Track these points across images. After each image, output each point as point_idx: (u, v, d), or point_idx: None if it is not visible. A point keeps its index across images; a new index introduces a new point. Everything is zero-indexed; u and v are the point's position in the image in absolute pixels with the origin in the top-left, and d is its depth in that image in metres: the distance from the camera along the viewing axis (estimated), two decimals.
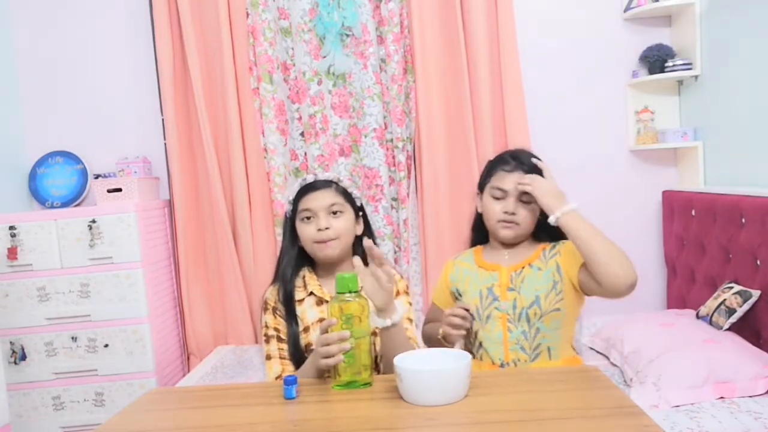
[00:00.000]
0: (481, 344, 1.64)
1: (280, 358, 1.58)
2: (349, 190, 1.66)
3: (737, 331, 2.24)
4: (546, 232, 1.65)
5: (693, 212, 2.74)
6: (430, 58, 2.99)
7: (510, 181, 1.63)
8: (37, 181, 3.11)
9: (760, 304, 2.21)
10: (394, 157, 3.04)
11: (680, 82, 3.03)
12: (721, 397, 1.97)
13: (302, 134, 3.06)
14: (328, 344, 1.33)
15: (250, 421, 1.22)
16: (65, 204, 3.08)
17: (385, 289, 1.40)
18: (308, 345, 1.57)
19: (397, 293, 1.63)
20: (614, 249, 1.48)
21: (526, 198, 1.61)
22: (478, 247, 1.77)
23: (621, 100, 3.10)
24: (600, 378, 1.33)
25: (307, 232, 1.59)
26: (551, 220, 1.54)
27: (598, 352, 2.55)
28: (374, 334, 1.53)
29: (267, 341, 1.60)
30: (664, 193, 3.05)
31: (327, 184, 1.62)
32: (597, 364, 2.13)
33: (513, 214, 1.61)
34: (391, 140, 3.04)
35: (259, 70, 3.02)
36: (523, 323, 1.59)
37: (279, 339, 1.59)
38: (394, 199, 3.07)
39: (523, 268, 1.63)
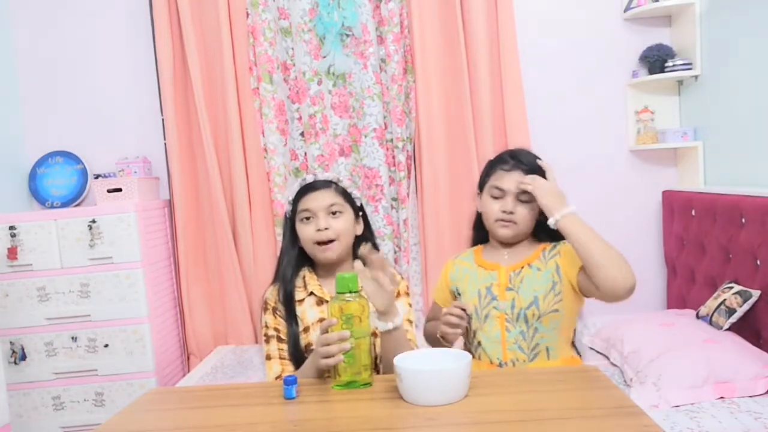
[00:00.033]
0: (479, 343, 1.64)
1: (280, 358, 1.58)
2: (349, 190, 1.66)
3: (737, 331, 2.24)
4: (546, 232, 1.65)
5: (693, 212, 2.74)
6: (430, 58, 2.99)
7: (508, 180, 1.63)
8: (37, 181, 3.11)
9: (760, 304, 2.21)
10: (394, 157, 3.04)
11: (680, 82, 3.03)
12: (721, 397, 1.97)
13: (302, 134, 3.06)
14: (328, 344, 1.34)
15: (250, 421, 1.22)
16: (65, 204, 3.08)
17: (387, 291, 1.40)
18: (308, 345, 1.57)
19: (398, 294, 1.63)
20: (613, 253, 1.48)
21: (524, 197, 1.61)
22: (479, 246, 1.77)
23: (621, 100, 3.10)
24: (600, 378, 1.33)
25: (306, 232, 1.59)
26: (551, 222, 1.54)
27: (598, 352, 2.55)
28: (374, 334, 1.54)
29: (267, 341, 1.60)
30: (664, 193, 3.05)
31: (326, 184, 1.62)
32: (597, 364, 2.13)
33: (511, 213, 1.61)
34: (391, 140, 3.04)
35: (259, 70, 3.02)
36: (522, 323, 1.59)
37: (279, 339, 1.59)
38: (394, 199, 3.07)
39: (522, 268, 1.62)
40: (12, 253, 2.73)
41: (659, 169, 3.11)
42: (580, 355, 1.73)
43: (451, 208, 3.01)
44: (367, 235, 1.69)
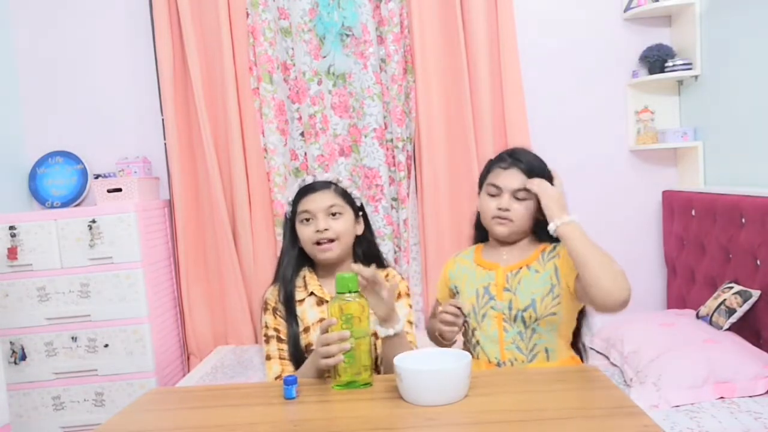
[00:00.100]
0: (477, 342, 1.64)
1: (280, 358, 1.58)
2: (349, 190, 1.66)
3: (737, 331, 2.24)
4: (547, 232, 1.64)
5: (693, 212, 2.74)
6: (430, 58, 2.99)
7: (505, 177, 1.63)
8: (37, 181, 3.11)
9: (760, 304, 2.21)
10: (394, 157, 3.04)
11: (680, 82, 3.03)
12: (721, 397, 1.97)
13: (302, 134, 3.06)
14: (328, 344, 1.34)
15: (250, 421, 1.22)
16: (65, 204, 3.08)
17: (386, 303, 1.42)
18: (308, 345, 1.57)
19: (399, 295, 1.63)
20: (609, 264, 1.46)
21: (521, 195, 1.61)
22: (480, 245, 1.77)
23: (621, 100, 3.10)
24: (600, 378, 1.33)
25: (306, 233, 1.59)
26: (551, 227, 1.53)
27: (598, 352, 2.55)
28: (375, 335, 1.54)
29: (267, 341, 1.60)
30: (664, 193, 3.05)
31: (326, 185, 1.62)
32: (597, 364, 2.13)
33: (507, 210, 1.61)
34: (391, 140, 3.04)
35: (259, 70, 3.02)
36: (519, 324, 1.59)
37: (279, 339, 1.59)
38: (394, 199, 3.07)
39: (521, 268, 1.62)
40: (12, 253, 2.73)
41: (659, 169, 3.11)
42: (584, 356, 1.72)
43: (451, 208, 3.01)
44: (367, 235, 1.69)
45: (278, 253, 1.73)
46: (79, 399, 2.81)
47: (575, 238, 1.49)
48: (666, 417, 1.88)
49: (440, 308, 1.64)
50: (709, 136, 2.85)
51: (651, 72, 2.99)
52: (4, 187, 3.02)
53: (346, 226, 1.60)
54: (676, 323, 2.38)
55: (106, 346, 2.78)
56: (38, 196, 3.11)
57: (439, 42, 3.01)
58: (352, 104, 3.05)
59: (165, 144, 3.06)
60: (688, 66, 2.88)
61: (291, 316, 1.59)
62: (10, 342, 2.78)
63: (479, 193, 1.73)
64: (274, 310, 1.61)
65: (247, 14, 3.01)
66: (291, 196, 1.66)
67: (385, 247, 3.00)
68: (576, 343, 1.71)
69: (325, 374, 1.43)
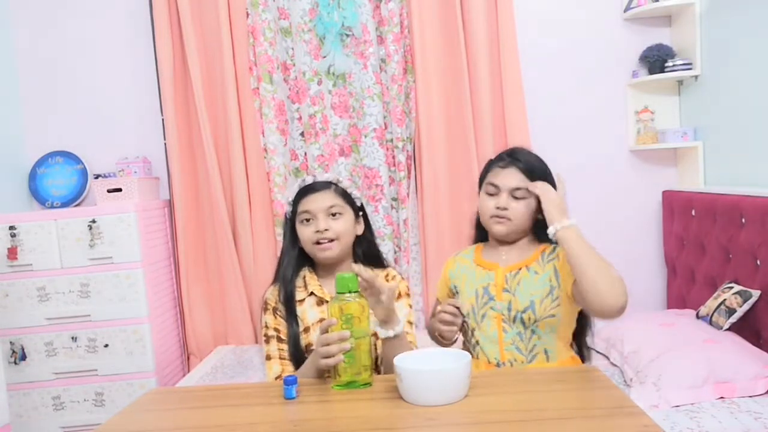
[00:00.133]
0: (477, 343, 1.64)
1: (280, 358, 1.58)
2: (349, 190, 1.66)
3: (737, 331, 2.24)
4: (547, 232, 1.64)
5: (693, 212, 2.74)
6: (430, 58, 2.99)
7: (503, 176, 1.63)
8: (37, 181, 3.11)
9: (760, 304, 2.21)
10: (394, 157, 3.04)
11: (680, 82, 3.03)
12: (721, 397, 1.97)
13: (302, 134, 3.06)
14: (328, 344, 1.34)
15: (250, 421, 1.22)
16: (65, 204, 3.08)
17: (385, 305, 1.42)
18: (308, 345, 1.57)
19: (399, 296, 1.63)
20: (607, 270, 1.45)
21: (519, 194, 1.61)
22: (480, 244, 1.77)
23: (621, 100, 3.10)
24: (600, 378, 1.33)
25: (306, 233, 1.59)
26: (550, 230, 1.53)
27: (598, 352, 2.54)
28: (375, 335, 1.54)
29: (267, 341, 1.60)
30: (664, 193, 3.05)
31: (326, 185, 1.62)
32: (597, 364, 2.13)
33: (505, 209, 1.61)
34: (391, 140, 3.04)
35: (259, 70, 3.02)
36: (519, 325, 1.59)
37: (279, 339, 1.60)
38: (394, 199, 3.07)
39: (520, 269, 1.62)
40: (12, 253, 2.73)
41: (659, 169, 3.11)
42: (586, 357, 1.71)
43: (451, 208, 3.01)
44: (367, 235, 1.69)
45: (278, 253, 1.73)
46: (79, 399, 2.81)
47: (573, 243, 1.49)
48: (666, 417, 1.88)
49: (439, 308, 1.64)
50: (709, 136, 2.85)
51: (651, 72, 2.99)
52: (4, 187, 3.02)
53: (346, 226, 1.60)
54: (676, 323, 2.38)
55: (106, 346, 2.78)
56: (38, 196, 3.11)
57: (439, 42, 3.01)
58: (352, 104, 3.05)
59: (165, 144, 3.06)
60: (688, 66, 2.88)
61: (291, 316, 1.59)
62: (10, 342, 2.78)
63: (479, 193, 1.74)
64: (274, 310, 1.61)
65: (247, 14, 3.01)
66: (291, 196, 1.66)
67: (385, 247, 3.00)
68: (580, 344, 1.71)
69: (325, 374, 1.43)
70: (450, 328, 1.61)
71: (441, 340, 1.67)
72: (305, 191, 1.62)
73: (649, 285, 3.12)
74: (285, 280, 1.61)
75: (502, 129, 2.98)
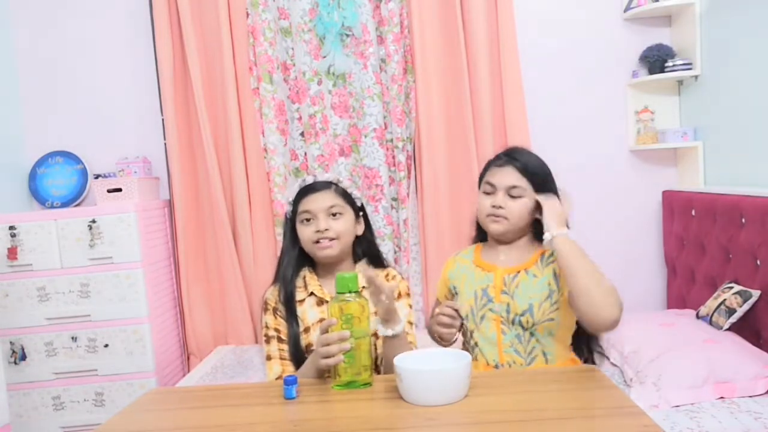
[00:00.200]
0: (476, 344, 1.64)
1: (281, 358, 1.58)
2: (349, 190, 1.66)
3: (737, 331, 2.24)
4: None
5: (693, 212, 2.74)
6: (430, 58, 2.99)
7: (500, 175, 1.62)
8: (37, 181, 3.11)
9: (760, 304, 2.21)
10: (394, 157, 3.04)
11: (680, 82, 3.03)
12: (721, 397, 1.97)
13: (302, 134, 3.06)
14: (328, 344, 1.34)
15: (250, 421, 1.22)
16: (65, 204, 3.08)
17: (383, 305, 1.42)
18: (309, 345, 1.57)
19: (399, 296, 1.63)
20: (601, 282, 1.45)
21: (515, 192, 1.60)
22: (479, 244, 1.77)
23: (621, 100, 3.10)
24: (600, 378, 1.33)
25: (306, 233, 1.59)
26: (546, 236, 1.52)
27: (598, 352, 2.54)
28: (375, 335, 1.54)
29: (267, 342, 1.60)
30: (664, 193, 3.05)
31: (326, 185, 1.62)
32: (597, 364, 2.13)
33: (500, 207, 1.60)
34: (391, 140, 3.04)
35: (259, 70, 3.02)
36: (517, 327, 1.58)
37: (279, 340, 1.60)
38: (394, 199, 3.07)
39: (519, 272, 1.61)
40: (12, 253, 2.73)
41: (659, 169, 3.11)
42: (591, 359, 1.70)
43: (451, 208, 3.02)
44: (368, 235, 1.69)
45: (278, 253, 1.73)
46: (79, 399, 2.81)
47: (567, 251, 1.48)
48: (666, 417, 1.88)
49: (437, 310, 1.64)
50: (709, 136, 2.85)
51: (651, 72, 2.99)
52: (4, 187, 3.02)
53: (346, 226, 1.60)
54: (676, 323, 2.38)
55: (106, 346, 2.78)
56: (38, 196, 3.11)
57: (439, 42, 3.01)
58: (352, 104, 3.05)
59: (165, 144, 3.06)
60: (688, 66, 2.88)
61: (291, 316, 1.59)
62: (10, 342, 2.78)
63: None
64: (275, 310, 1.61)
65: (247, 14, 3.01)
66: (291, 196, 1.66)
67: (385, 247, 3.00)
68: (589, 348, 1.69)
69: (325, 374, 1.43)
70: (449, 331, 1.61)
71: (440, 341, 1.67)
72: (305, 191, 1.62)
73: (649, 285, 3.12)
74: (285, 280, 1.61)
75: (502, 129, 2.98)
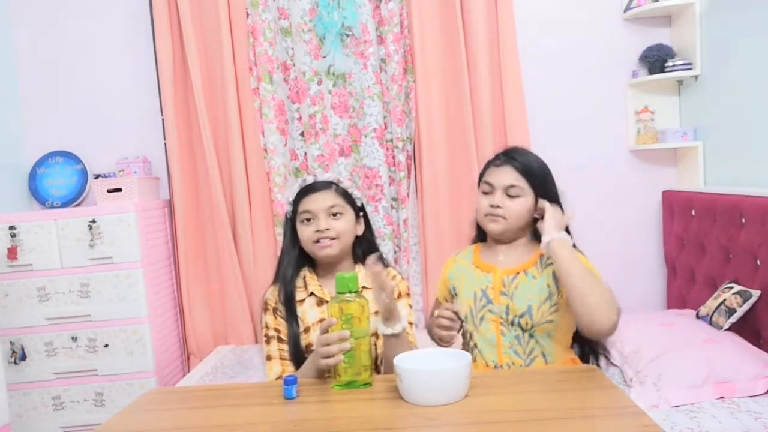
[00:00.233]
0: (475, 346, 1.64)
1: (281, 358, 1.58)
2: (350, 190, 1.66)
3: (737, 331, 2.24)
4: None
5: (693, 212, 2.74)
6: (430, 58, 2.99)
7: (497, 175, 1.62)
8: (37, 181, 3.11)
9: (760, 304, 2.21)
10: (394, 157, 3.04)
11: (680, 82, 3.03)
12: (721, 397, 1.97)
13: (302, 134, 3.06)
14: (328, 344, 1.34)
15: (250, 421, 1.22)
16: (65, 204, 3.08)
17: (385, 302, 1.42)
18: (309, 345, 1.57)
19: (399, 295, 1.63)
20: (597, 288, 1.44)
21: (513, 191, 1.60)
22: (479, 244, 1.77)
23: (621, 100, 3.10)
24: (600, 378, 1.33)
25: (307, 233, 1.59)
26: (544, 239, 1.52)
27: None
28: (374, 335, 1.54)
29: (267, 342, 1.60)
30: (664, 193, 3.05)
31: (327, 185, 1.62)
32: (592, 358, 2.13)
33: (498, 207, 1.60)
34: (391, 140, 3.04)
35: (259, 70, 3.02)
36: (517, 328, 1.58)
37: (279, 340, 1.60)
38: (394, 199, 3.07)
39: (518, 274, 1.61)
40: (12, 253, 2.73)
41: (659, 169, 3.11)
42: (595, 361, 1.69)
43: (451, 208, 3.01)
44: (368, 236, 1.69)
45: (278, 253, 1.73)
46: (79, 399, 2.81)
47: (564, 256, 1.47)
48: (666, 417, 1.88)
49: (436, 312, 1.64)
50: (709, 136, 2.85)
51: (651, 72, 2.99)
52: (4, 187, 3.02)
53: (346, 227, 1.60)
54: (676, 323, 2.38)
55: (106, 346, 2.78)
56: (38, 196, 3.11)
57: (439, 42, 3.01)
58: (352, 104, 3.05)
59: (165, 144, 3.06)
60: (688, 66, 2.88)
61: (291, 316, 1.59)
62: (10, 342, 2.78)
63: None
64: (275, 310, 1.61)
65: (247, 14, 3.01)
66: (291, 196, 1.66)
67: (385, 247, 3.00)
68: (596, 350, 1.68)
69: (325, 374, 1.43)
70: (449, 333, 1.60)
71: (440, 342, 1.66)
72: (306, 191, 1.62)
73: (649, 285, 3.12)
74: (285, 280, 1.61)
75: (502, 129, 2.98)
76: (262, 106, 3.04)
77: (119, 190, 2.90)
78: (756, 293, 2.21)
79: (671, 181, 3.11)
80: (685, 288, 2.85)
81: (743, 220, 2.35)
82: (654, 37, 3.03)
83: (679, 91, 3.06)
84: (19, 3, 3.16)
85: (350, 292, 1.35)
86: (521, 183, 1.60)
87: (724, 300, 2.29)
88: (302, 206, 1.60)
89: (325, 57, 3.02)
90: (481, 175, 1.70)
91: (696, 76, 2.89)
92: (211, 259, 3.13)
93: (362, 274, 1.64)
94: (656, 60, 2.94)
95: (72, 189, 3.11)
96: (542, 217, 1.58)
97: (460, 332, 1.68)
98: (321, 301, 1.61)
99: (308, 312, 1.60)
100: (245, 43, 3.02)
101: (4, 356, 2.76)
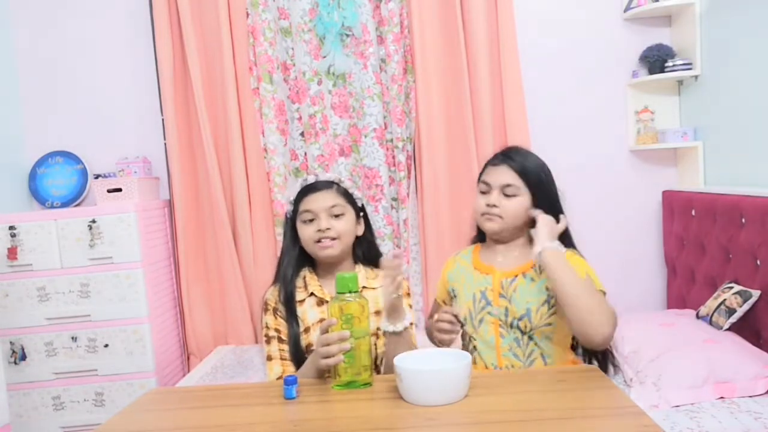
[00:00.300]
0: (475, 348, 1.63)
1: (281, 359, 1.58)
2: (350, 190, 1.66)
3: (737, 331, 2.24)
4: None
5: (693, 212, 2.74)
6: (430, 58, 2.99)
7: (494, 174, 1.62)
8: (37, 181, 3.11)
9: (760, 304, 2.21)
10: (394, 157, 3.04)
11: (680, 82, 3.03)
12: (721, 397, 1.97)
13: (302, 134, 3.06)
14: (328, 344, 1.34)
15: (250, 421, 1.22)
16: (65, 204, 3.08)
17: (389, 299, 1.43)
18: (309, 345, 1.57)
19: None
20: (589, 298, 1.43)
21: (509, 191, 1.60)
22: (478, 245, 1.77)
23: (621, 100, 3.10)
24: (600, 378, 1.33)
25: (308, 233, 1.59)
26: (535, 249, 1.51)
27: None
28: (374, 334, 1.54)
29: (268, 342, 1.60)
30: (664, 193, 3.05)
31: (328, 185, 1.62)
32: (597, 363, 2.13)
33: (495, 206, 1.60)
34: (391, 140, 3.04)
35: (259, 70, 3.02)
36: (515, 331, 1.58)
37: (280, 340, 1.59)
38: (394, 199, 3.07)
39: (516, 276, 1.61)
40: (12, 253, 2.73)
41: (659, 169, 3.11)
42: (602, 364, 1.68)
43: (451, 208, 3.01)
44: (368, 236, 1.69)
45: (278, 253, 1.73)
46: (79, 399, 2.81)
47: (555, 266, 1.46)
48: (666, 417, 1.88)
49: (436, 316, 1.63)
50: (709, 136, 2.85)
51: (651, 72, 2.99)
52: (4, 187, 3.02)
53: (347, 227, 1.60)
54: (676, 323, 2.38)
55: (106, 346, 2.78)
56: (38, 196, 3.11)
57: (439, 42, 3.01)
58: (352, 104, 3.05)
59: (165, 144, 3.06)
60: (688, 66, 2.88)
61: (291, 316, 1.59)
62: (10, 342, 2.78)
63: None
64: (275, 310, 1.61)
65: (247, 14, 3.01)
66: (292, 196, 1.66)
67: (385, 247, 3.00)
68: (604, 356, 1.67)
69: (325, 374, 1.43)
70: (450, 337, 1.60)
71: (440, 345, 1.66)
72: (307, 190, 1.62)
73: (649, 285, 3.12)
74: (285, 279, 1.61)
75: (502, 129, 2.98)
76: (262, 106, 3.04)
77: (119, 190, 2.90)
78: (756, 293, 2.21)
79: (671, 181, 3.11)
80: (685, 288, 2.85)
81: (743, 220, 2.35)
82: (654, 37, 3.03)
83: (679, 91, 3.06)
84: (19, 3, 3.16)
85: (350, 292, 1.36)
86: (518, 182, 1.60)
87: (724, 300, 2.29)
88: (303, 206, 1.60)
89: (325, 57, 3.02)
90: (480, 174, 1.70)
91: (696, 76, 2.89)
92: (211, 259, 3.13)
93: (362, 274, 1.64)
94: (656, 60, 2.94)
95: (72, 189, 3.11)
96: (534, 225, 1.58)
97: (459, 335, 1.67)
98: (321, 301, 1.61)
99: (308, 312, 1.60)
100: (245, 43, 3.02)
101: (4, 356, 2.76)
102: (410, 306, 1.67)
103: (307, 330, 1.59)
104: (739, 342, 2.16)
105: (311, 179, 1.64)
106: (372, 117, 2.99)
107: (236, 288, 3.04)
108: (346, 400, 1.30)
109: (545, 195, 1.62)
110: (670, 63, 2.91)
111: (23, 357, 2.79)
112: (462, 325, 1.63)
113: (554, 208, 1.62)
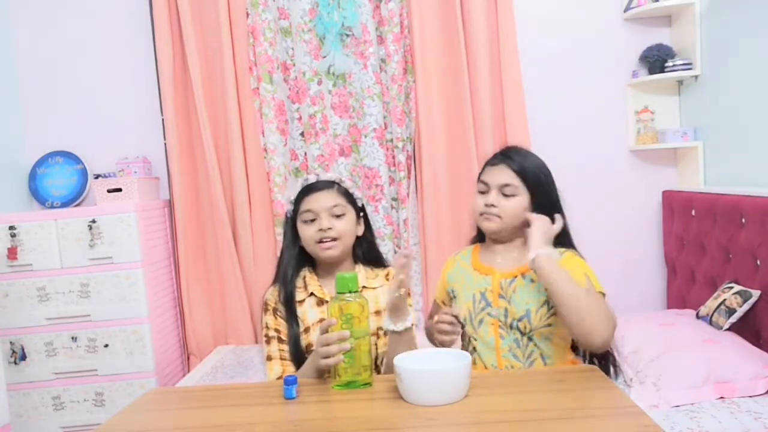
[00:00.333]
0: (474, 349, 1.63)
1: (281, 359, 1.58)
2: (351, 190, 1.66)
3: (737, 331, 2.24)
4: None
5: (693, 212, 2.74)
6: (430, 58, 2.99)
7: (493, 174, 1.62)
8: (37, 181, 3.11)
9: (760, 304, 2.21)
10: (394, 157, 3.04)
11: (680, 82, 3.03)
12: (721, 397, 1.97)
13: (302, 134, 3.06)
14: (327, 344, 1.34)
15: (250, 421, 1.22)
16: (65, 204, 3.08)
17: (392, 293, 1.42)
18: (309, 346, 1.57)
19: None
20: (585, 302, 1.42)
21: (508, 191, 1.60)
22: (477, 245, 1.76)
23: (621, 100, 3.10)
24: (600, 378, 1.33)
25: (308, 232, 1.59)
26: (530, 255, 1.51)
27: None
28: (375, 334, 1.54)
29: (268, 342, 1.60)
30: (664, 193, 3.05)
31: (329, 185, 1.62)
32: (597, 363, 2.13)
33: (493, 206, 1.60)
34: (391, 140, 3.04)
35: (259, 70, 3.02)
36: (515, 332, 1.58)
37: (279, 340, 1.59)
38: (394, 199, 3.07)
39: (516, 277, 1.60)
40: (12, 253, 2.73)
41: (659, 169, 3.11)
42: (608, 367, 1.67)
43: (451, 208, 3.01)
44: (368, 236, 1.69)
45: (278, 253, 1.73)
46: (79, 399, 2.81)
47: (549, 272, 1.46)
48: (666, 417, 1.88)
49: (436, 317, 1.63)
50: (709, 136, 2.85)
51: (651, 72, 2.99)
52: (4, 187, 3.02)
53: (348, 227, 1.60)
54: (676, 323, 2.38)
55: (106, 346, 2.78)
56: (38, 196, 3.11)
57: (439, 42, 3.01)
58: (352, 104, 3.05)
59: (165, 144, 3.06)
60: (688, 66, 2.88)
61: (291, 316, 1.59)
62: (10, 342, 2.78)
63: None
64: (275, 310, 1.61)
65: (247, 14, 3.01)
66: (293, 195, 1.65)
67: (385, 247, 3.00)
68: (606, 359, 1.67)
69: (325, 374, 1.43)
70: (450, 338, 1.60)
71: (440, 346, 1.65)
72: (308, 190, 1.62)
73: (649, 285, 3.12)
74: (285, 279, 1.61)
75: (502, 129, 2.98)
76: (262, 106, 3.04)
77: (119, 190, 2.90)
78: (756, 293, 2.21)
79: (671, 181, 3.11)
80: (685, 288, 2.85)
81: (743, 220, 2.35)
82: (654, 37, 3.03)
83: (679, 91, 3.06)
84: (19, 3, 3.16)
85: (350, 292, 1.36)
86: (516, 182, 1.59)
87: (724, 300, 2.29)
88: (304, 205, 1.60)
89: (325, 57, 3.02)
90: (479, 174, 1.70)
91: (696, 76, 2.89)
92: (211, 259, 3.13)
93: (362, 274, 1.64)
94: (656, 60, 2.94)
95: (72, 189, 3.11)
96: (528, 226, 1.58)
97: (459, 336, 1.67)
98: (321, 301, 1.61)
99: (308, 312, 1.60)
100: (245, 43, 3.02)
101: (4, 356, 2.76)
102: (410, 306, 1.67)
103: (307, 330, 1.59)
104: (739, 342, 2.16)
105: (312, 179, 1.64)
106: (372, 117, 2.99)
107: (236, 288, 3.04)
108: (346, 400, 1.30)
109: (544, 195, 1.61)
110: (670, 63, 2.91)
111: (23, 357, 2.79)
112: (462, 326, 1.63)
113: (554, 209, 1.62)
